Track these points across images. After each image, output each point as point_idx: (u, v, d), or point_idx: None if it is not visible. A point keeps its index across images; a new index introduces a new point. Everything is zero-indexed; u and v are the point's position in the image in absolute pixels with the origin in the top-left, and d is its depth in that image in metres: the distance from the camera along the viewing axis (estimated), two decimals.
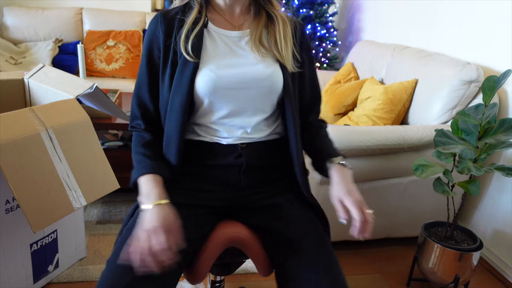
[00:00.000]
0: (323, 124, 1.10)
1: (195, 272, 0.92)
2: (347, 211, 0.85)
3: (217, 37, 0.97)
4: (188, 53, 0.91)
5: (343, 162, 0.95)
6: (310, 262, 0.86)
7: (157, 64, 0.96)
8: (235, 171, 0.97)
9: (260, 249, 0.96)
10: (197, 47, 0.92)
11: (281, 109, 0.99)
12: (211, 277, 1.15)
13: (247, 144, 0.96)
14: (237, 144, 0.96)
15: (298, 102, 1.02)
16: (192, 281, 0.93)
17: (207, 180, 0.97)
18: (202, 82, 0.91)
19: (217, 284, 1.16)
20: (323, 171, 0.98)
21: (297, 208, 0.97)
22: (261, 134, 0.99)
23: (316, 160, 1.02)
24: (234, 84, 0.93)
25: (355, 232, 0.82)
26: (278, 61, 0.97)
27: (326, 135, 1.07)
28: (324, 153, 0.99)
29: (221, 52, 0.95)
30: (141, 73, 0.98)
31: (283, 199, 0.98)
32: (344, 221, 0.83)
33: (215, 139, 0.96)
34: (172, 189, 0.92)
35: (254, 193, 0.98)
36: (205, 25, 0.97)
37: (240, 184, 0.97)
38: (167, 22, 0.95)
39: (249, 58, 0.96)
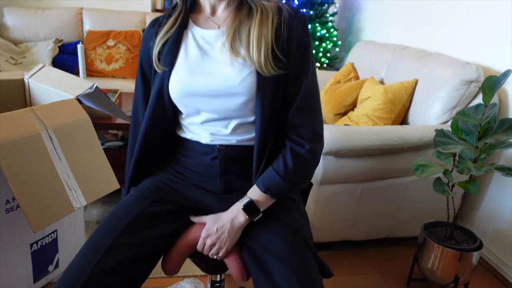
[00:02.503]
0: (296, 150, 0.90)
1: (166, 266, 0.96)
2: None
3: (193, 39, 0.93)
4: (157, 64, 0.93)
5: (246, 203, 0.89)
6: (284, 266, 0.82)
7: (148, 71, 0.99)
8: (213, 173, 0.96)
9: (233, 255, 0.94)
10: (171, 53, 0.92)
11: None
12: (211, 277, 1.15)
13: (226, 146, 0.94)
14: (216, 145, 0.94)
15: (285, 109, 0.92)
16: (166, 273, 0.97)
17: (188, 179, 0.99)
18: (172, 88, 0.92)
19: (217, 284, 1.16)
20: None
21: (276, 226, 0.89)
22: (241, 137, 0.94)
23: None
24: (206, 92, 0.89)
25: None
26: None
27: (279, 167, 0.89)
28: (257, 180, 0.92)
29: (194, 56, 0.92)
30: (136, 83, 1.02)
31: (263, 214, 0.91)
32: None
33: (195, 138, 0.96)
34: (152, 183, 0.98)
35: (234, 199, 0.94)
36: (185, 26, 0.95)
37: (217, 187, 0.97)
38: (155, 28, 0.97)
39: (222, 61, 0.89)
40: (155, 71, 0.95)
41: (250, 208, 0.90)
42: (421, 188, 1.81)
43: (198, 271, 1.64)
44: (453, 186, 1.52)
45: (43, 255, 1.46)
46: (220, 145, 0.94)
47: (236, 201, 0.93)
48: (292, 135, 0.91)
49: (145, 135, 0.97)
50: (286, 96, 0.90)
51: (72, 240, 1.59)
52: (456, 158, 1.49)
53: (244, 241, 0.92)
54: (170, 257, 0.94)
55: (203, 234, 0.92)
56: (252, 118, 0.92)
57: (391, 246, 1.95)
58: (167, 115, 0.96)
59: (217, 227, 0.90)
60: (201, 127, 0.95)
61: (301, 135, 0.91)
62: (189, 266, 1.67)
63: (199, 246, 0.93)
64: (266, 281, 0.83)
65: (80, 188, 1.19)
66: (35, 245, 1.41)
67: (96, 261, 0.79)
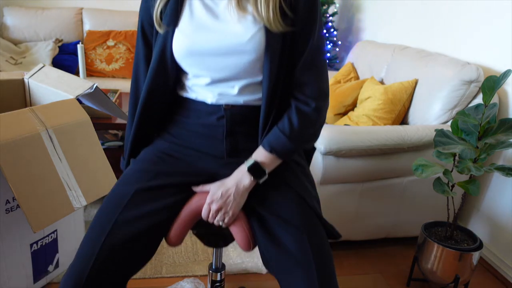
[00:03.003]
0: (302, 108, 0.89)
1: (169, 237, 0.93)
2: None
3: None
4: (159, 23, 0.89)
5: (251, 165, 0.88)
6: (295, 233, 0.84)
7: (150, 33, 0.95)
8: (218, 134, 0.93)
9: (239, 221, 0.92)
10: (175, 12, 0.88)
11: None
12: (212, 276, 1.15)
13: (232, 106, 0.91)
14: (222, 105, 0.91)
15: (291, 67, 0.90)
16: (169, 244, 0.94)
17: (191, 143, 0.96)
18: (176, 47, 0.88)
19: (217, 284, 1.16)
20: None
21: (282, 191, 0.90)
22: (248, 97, 0.91)
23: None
24: (213, 50, 0.86)
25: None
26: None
27: (284, 127, 0.89)
28: (262, 140, 0.91)
29: (199, 14, 0.88)
30: (136, 46, 0.97)
31: (270, 178, 0.90)
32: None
33: (200, 98, 0.93)
34: (153, 154, 0.95)
35: (239, 164, 0.92)
36: None
37: (222, 150, 0.94)
38: None
39: (228, 19, 0.86)
40: (157, 31, 0.91)
41: (255, 169, 0.89)
42: (421, 188, 1.81)
43: (198, 271, 1.64)
44: (453, 186, 1.52)
45: (43, 255, 1.46)
46: (227, 105, 0.91)
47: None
48: (297, 94, 0.90)
49: (146, 100, 0.94)
50: (293, 55, 0.89)
51: (72, 240, 1.59)
52: (456, 158, 1.49)
53: (251, 206, 0.91)
54: (173, 228, 0.92)
55: (208, 200, 0.89)
56: (259, 78, 0.90)
57: (391, 246, 1.95)
58: (169, 78, 0.92)
59: (222, 192, 0.88)
60: (207, 88, 0.92)
61: (306, 93, 0.89)
62: (189, 266, 1.67)
63: (203, 214, 0.90)
64: (277, 249, 0.83)
65: (80, 188, 1.20)
66: (35, 245, 1.41)
67: (100, 245, 0.80)
